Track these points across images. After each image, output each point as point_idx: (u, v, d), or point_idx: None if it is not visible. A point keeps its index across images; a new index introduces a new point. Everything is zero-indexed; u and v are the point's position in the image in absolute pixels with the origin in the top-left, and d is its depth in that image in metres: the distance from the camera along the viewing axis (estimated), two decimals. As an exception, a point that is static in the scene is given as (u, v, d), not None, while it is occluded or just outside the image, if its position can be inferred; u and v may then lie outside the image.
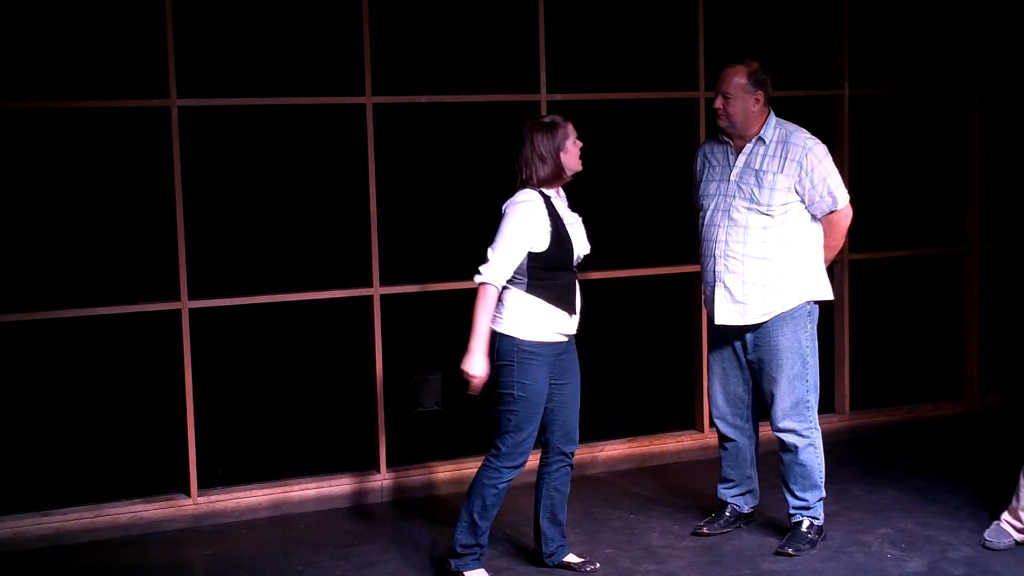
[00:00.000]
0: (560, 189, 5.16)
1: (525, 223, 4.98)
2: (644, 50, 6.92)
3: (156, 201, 6.00)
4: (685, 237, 6.93)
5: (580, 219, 5.21)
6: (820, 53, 7.27)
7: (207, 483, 6.17)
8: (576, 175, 5.17)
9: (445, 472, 6.51)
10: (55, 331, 5.89)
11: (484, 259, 4.99)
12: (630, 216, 6.94)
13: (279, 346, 6.32)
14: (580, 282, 5.19)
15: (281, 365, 6.33)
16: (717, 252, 5.49)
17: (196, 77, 6.02)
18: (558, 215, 5.05)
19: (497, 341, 5.05)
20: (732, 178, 5.47)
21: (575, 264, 5.14)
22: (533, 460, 5.31)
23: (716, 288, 5.50)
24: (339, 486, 6.36)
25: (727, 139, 5.52)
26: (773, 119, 5.47)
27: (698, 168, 5.67)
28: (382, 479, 6.42)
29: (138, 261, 6.03)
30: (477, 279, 4.99)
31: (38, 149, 5.84)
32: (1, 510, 5.83)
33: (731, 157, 5.50)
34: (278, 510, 6.23)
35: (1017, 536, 5.40)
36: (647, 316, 7.05)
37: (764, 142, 5.43)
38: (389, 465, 6.44)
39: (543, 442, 5.26)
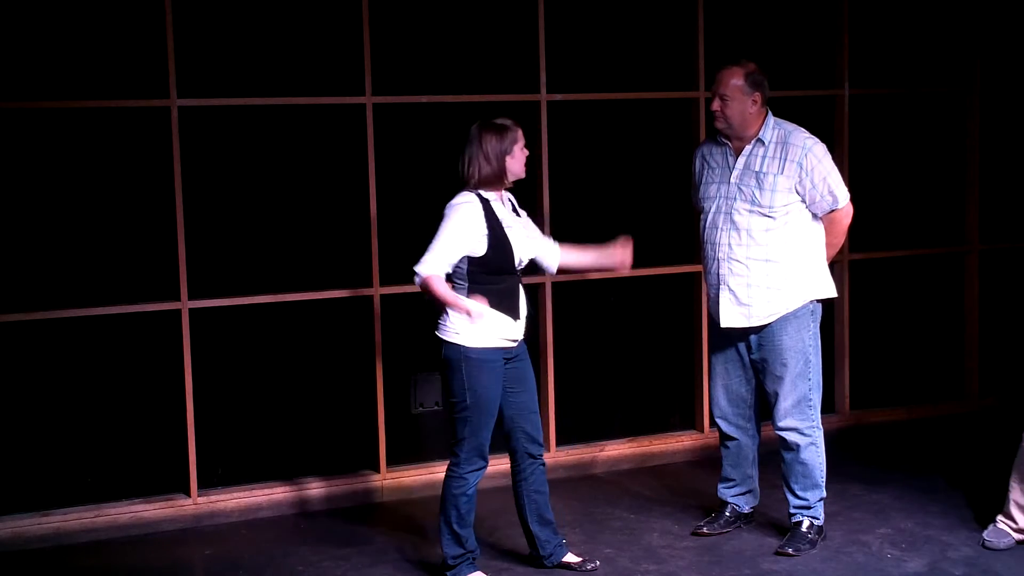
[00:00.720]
0: (504, 193, 5.12)
1: (461, 224, 4.96)
2: (644, 50, 6.92)
3: (156, 201, 6.00)
4: (685, 237, 6.92)
5: (524, 223, 5.17)
6: (820, 53, 7.27)
7: (207, 483, 6.17)
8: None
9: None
10: (55, 331, 5.89)
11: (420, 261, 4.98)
12: (630, 216, 6.92)
13: (279, 346, 6.32)
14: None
15: (281, 365, 6.33)
16: (720, 255, 5.47)
17: (196, 77, 6.02)
18: (496, 218, 5.01)
19: (444, 349, 5.05)
20: (732, 180, 5.45)
21: (518, 268, 5.12)
22: (504, 465, 5.32)
23: (721, 291, 5.48)
24: (339, 486, 6.36)
25: (725, 140, 5.51)
26: (771, 119, 5.45)
27: (697, 170, 5.65)
28: (382, 479, 6.42)
29: (138, 261, 6.03)
30: (417, 280, 4.97)
31: (38, 149, 5.85)
32: (1, 510, 5.83)
33: (730, 159, 5.49)
34: (278, 510, 6.22)
35: (1017, 536, 5.40)
36: (647, 316, 7.04)
37: (763, 143, 5.42)
38: (389, 465, 6.44)
39: (510, 450, 5.25)
